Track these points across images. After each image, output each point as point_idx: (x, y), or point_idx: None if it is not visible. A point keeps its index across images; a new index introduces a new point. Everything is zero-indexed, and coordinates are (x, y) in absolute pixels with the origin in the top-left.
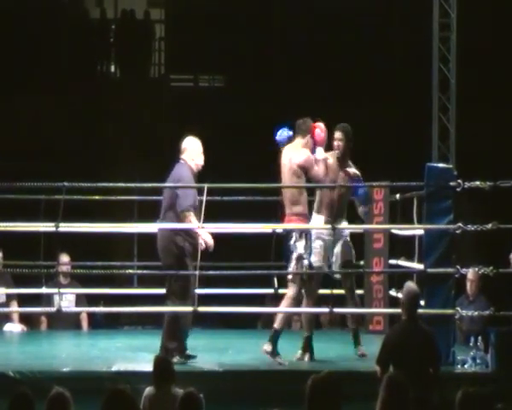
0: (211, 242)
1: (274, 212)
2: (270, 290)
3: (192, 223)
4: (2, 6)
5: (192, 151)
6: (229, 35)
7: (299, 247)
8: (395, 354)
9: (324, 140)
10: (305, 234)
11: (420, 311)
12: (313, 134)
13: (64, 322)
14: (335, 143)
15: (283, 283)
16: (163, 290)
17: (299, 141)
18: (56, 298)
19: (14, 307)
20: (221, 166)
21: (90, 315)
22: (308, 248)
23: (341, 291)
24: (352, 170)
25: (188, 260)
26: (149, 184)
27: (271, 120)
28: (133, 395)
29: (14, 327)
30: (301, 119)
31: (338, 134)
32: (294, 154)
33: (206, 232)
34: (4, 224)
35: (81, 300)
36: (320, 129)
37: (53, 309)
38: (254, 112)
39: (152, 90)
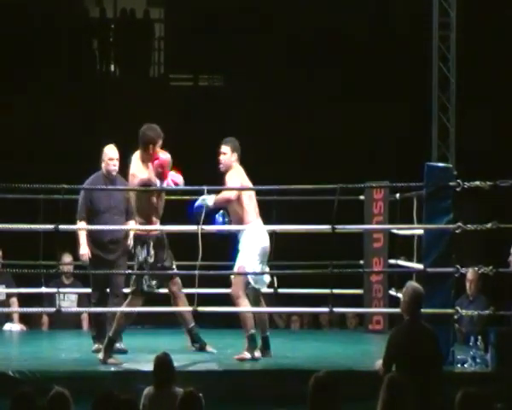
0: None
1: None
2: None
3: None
4: (2, 5)
5: (103, 158)
6: (228, 34)
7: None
8: (399, 354)
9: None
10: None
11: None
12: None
13: (66, 322)
14: (220, 156)
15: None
16: (164, 290)
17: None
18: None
19: (15, 307)
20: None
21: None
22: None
23: (342, 291)
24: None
25: (91, 262)
26: (148, 188)
27: (270, 120)
28: (120, 396)
29: (14, 327)
30: (146, 125)
31: (223, 148)
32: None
33: (84, 242)
34: (5, 224)
35: (83, 300)
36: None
37: (52, 309)
38: (253, 112)
39: (151, 89)
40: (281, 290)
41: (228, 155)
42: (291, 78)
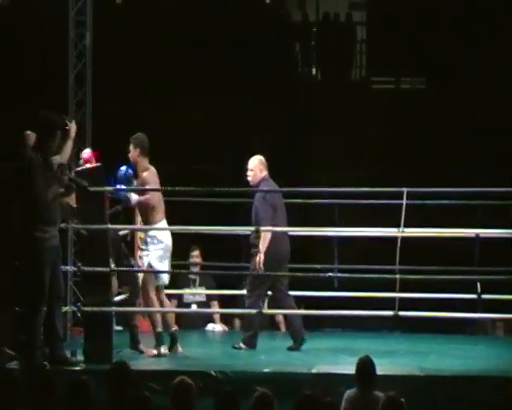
0: None
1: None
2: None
3: None
4: (204, 12)
5: None
6: (432, 36)
7: None
8: None
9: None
10: None
11: None
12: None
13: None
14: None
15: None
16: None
17: None
18: None
19: (215, 308)
20: (421, 167)
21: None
22: None
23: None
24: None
25: None
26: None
27: (472, 123)
28: (322, 398)
29: (217, 327)
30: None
31: (130, 146)
32: None
33: None
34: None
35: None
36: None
37: (254, 311)
38: (457, 115)
39: (353, 92)
40: (484, 296)
41: (135, 152)
42: (493, 80)
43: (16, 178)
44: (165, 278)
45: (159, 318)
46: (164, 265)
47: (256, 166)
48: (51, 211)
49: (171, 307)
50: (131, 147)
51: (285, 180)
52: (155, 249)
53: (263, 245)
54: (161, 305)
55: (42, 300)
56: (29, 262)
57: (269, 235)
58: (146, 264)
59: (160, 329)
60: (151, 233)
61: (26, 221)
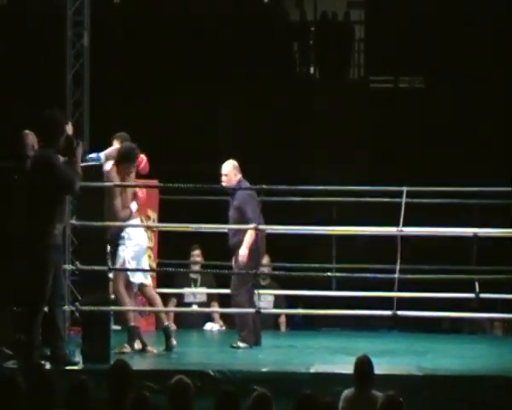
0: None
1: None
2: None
3: None
4: (203, 12)
5: None
6: (430, 35)
7: None
8: None
9: None
10: None
11: None
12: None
13: (262, 323)
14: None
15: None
16: (360, 293)
17: None
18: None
19: (216, 308)
20: (420, 166)
21: (289, 317)
22: None
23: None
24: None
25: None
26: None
27: (472, 124)
28: (320, 398)
29: (215, 326)
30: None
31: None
32: None
33: None
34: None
35: (280, 301)
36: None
37: (252, 310)
38: (456, 114)
39: (351, 91)
40: (482, 295)
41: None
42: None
43: (37, 174)
44: (141, 277)
45: (132, 314)
46: (140, 263)
47: (230, 171)
48: (63, 209)
49: (164, 305)
50: (117, 143)
51: (283, 179)
52: (131, 246)
53: (248, 242)
54: (150, 301)
55: (43, 299)
56: (36, 262)
57: (254, 233)
58: (121, 260)
59: (132, 323)
60: (127, 230)
61: (39, 218)
